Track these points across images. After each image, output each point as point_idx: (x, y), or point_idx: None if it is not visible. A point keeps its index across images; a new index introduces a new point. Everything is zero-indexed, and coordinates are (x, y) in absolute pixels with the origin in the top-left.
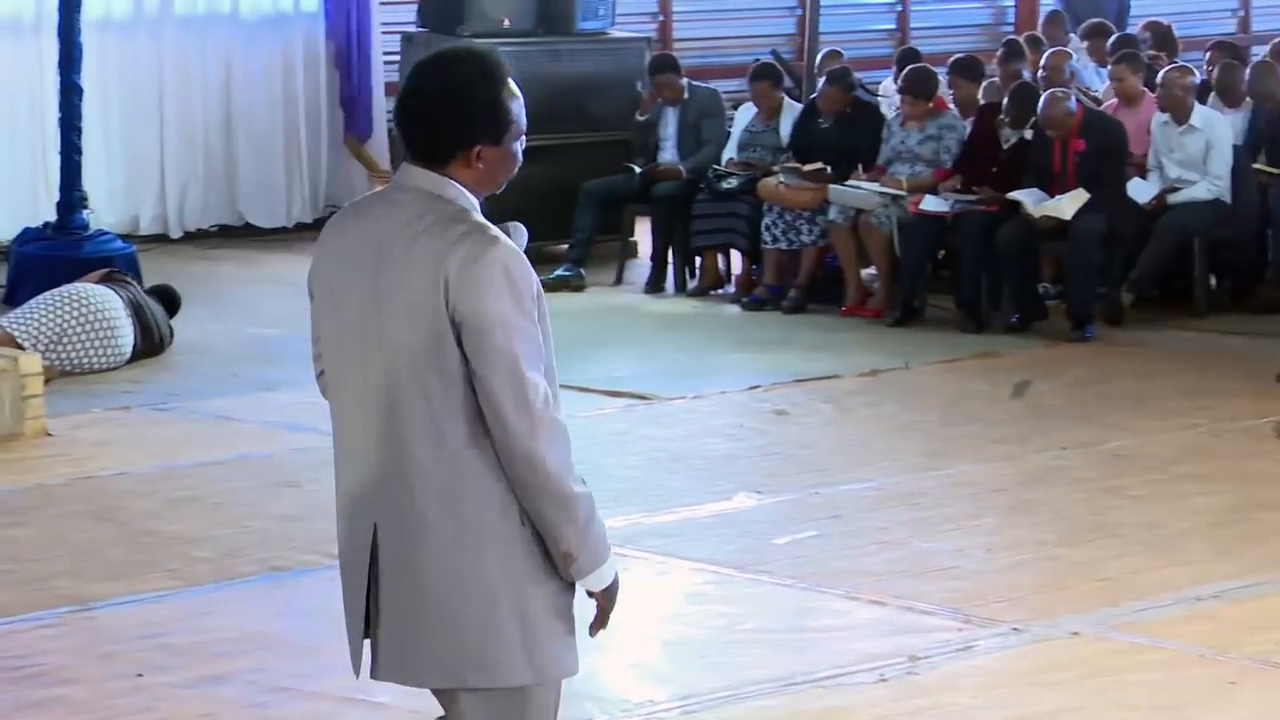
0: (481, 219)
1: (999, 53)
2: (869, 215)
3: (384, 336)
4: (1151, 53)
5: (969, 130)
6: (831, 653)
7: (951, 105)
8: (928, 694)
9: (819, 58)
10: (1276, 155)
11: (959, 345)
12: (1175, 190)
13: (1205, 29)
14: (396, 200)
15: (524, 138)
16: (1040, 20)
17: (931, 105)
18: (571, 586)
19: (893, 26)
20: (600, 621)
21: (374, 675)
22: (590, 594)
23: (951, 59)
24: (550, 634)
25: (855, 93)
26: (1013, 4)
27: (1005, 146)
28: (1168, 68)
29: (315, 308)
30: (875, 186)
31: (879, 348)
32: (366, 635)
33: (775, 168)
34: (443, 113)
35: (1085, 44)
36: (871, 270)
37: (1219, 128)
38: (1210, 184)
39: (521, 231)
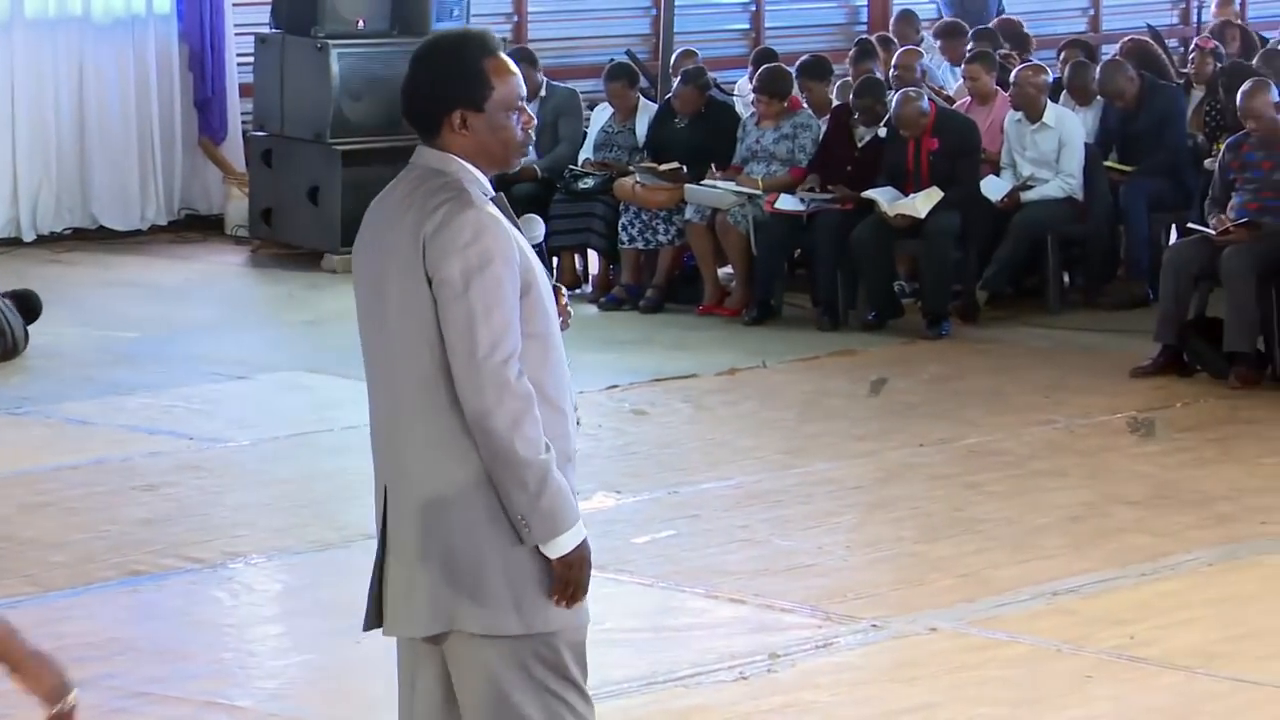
0: (468, 189)
1: (851, 52)
2: (725, 214)
3: (385, 307)
4: (1004, 51)
5: (823, 129)
6: (692, 651)
7: (805, 105)
8: (788, 691)
9: (674, 57)
10: (1128, 153)
11: (816, 343)
12: (1028, 188)
13: (1057, 28)
14: (402, 178)
15: (522, 112)
16: (892, 20)
17: (786, 104)
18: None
19: (747, 26)
20: (560, 590)
21: (384, 631)
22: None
23: (798, 62)
24: (540, 588)
25: (710, 92)
26: (866, 4)
27: (859, 145)
28: (1020, 66)
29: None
30: (731, 186)
31: (737, 346)
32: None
33: (631, 168)
34: (421, 82)
35: (939, 43)
36: (728, 269)
37: (1071, 126)
38: (1063, 182)
39: (536, 224)
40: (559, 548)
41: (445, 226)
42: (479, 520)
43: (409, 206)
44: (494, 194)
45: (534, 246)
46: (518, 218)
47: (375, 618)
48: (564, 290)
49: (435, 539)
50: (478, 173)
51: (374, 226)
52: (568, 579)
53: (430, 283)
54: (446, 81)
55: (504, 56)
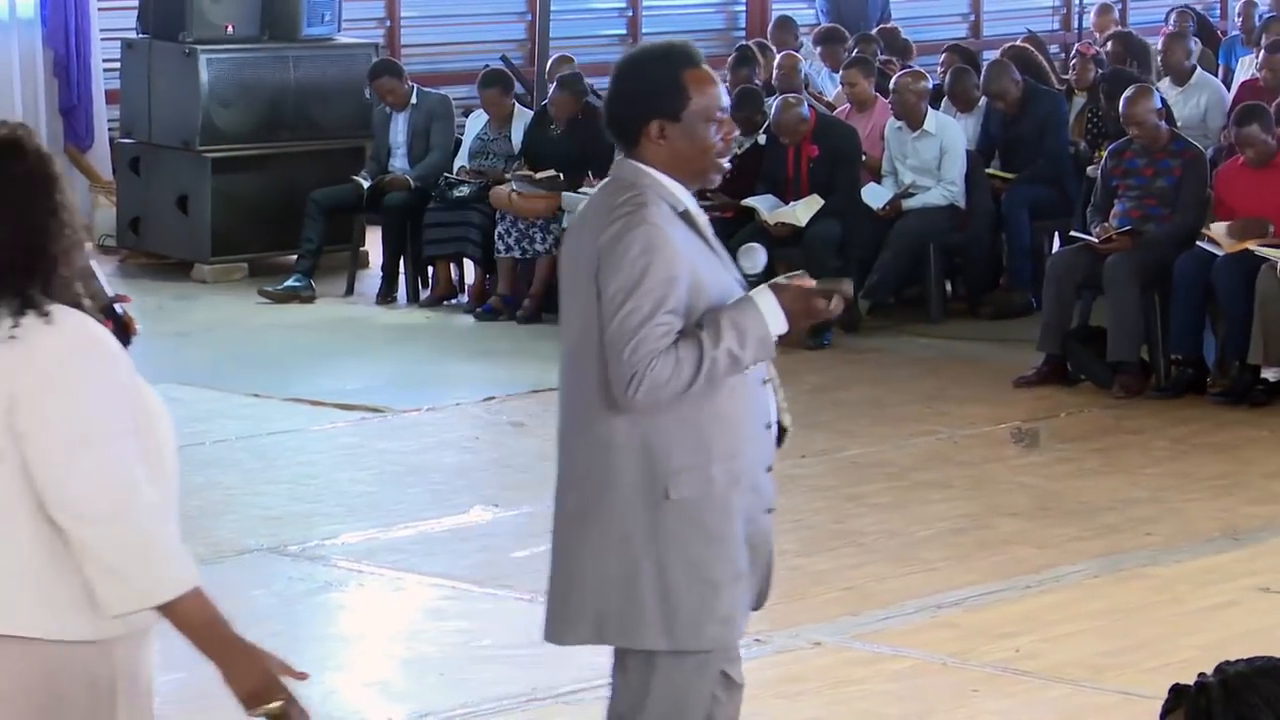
0: (649, 204)
1: (730, 58)
2: None
3: (567, 313)
4: (884, 58)
5: None
6: (573, 668)
7: None
8: None
9: (549, 63)
10: (1010, 160)
11: None
12: (910, 195)
13: (937, 34)
14: (600, 188)
15: (723, 124)
16: (770, 26)
17: None
18: (729, 562)
19: (624, 32)
20: (815, 310)
21: (543, 636)
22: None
23: None
24: (692, 605)
25: (587, 98)
26: (744, 9)
27: (738, 152)
28: (900, 73)
29: None
30: None
31: None
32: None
33: (507, 175)
34: (621, 93)
35: (818, 49)
36: None
37: (952, 133)
38: (944, 190)
39: (756, 253)
40: (778, 328)
41: (618, 239)
42: (635, 535)
43: (591, 215)
44: (684, 208)
45: (749, 277)
46: (757, 245)
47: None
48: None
49: (591, 550)
50: (673, 185)
51: (569, 236)
52: (805, 311)
53: (598, 292)
54: (645, 92)
55: (705, 68)
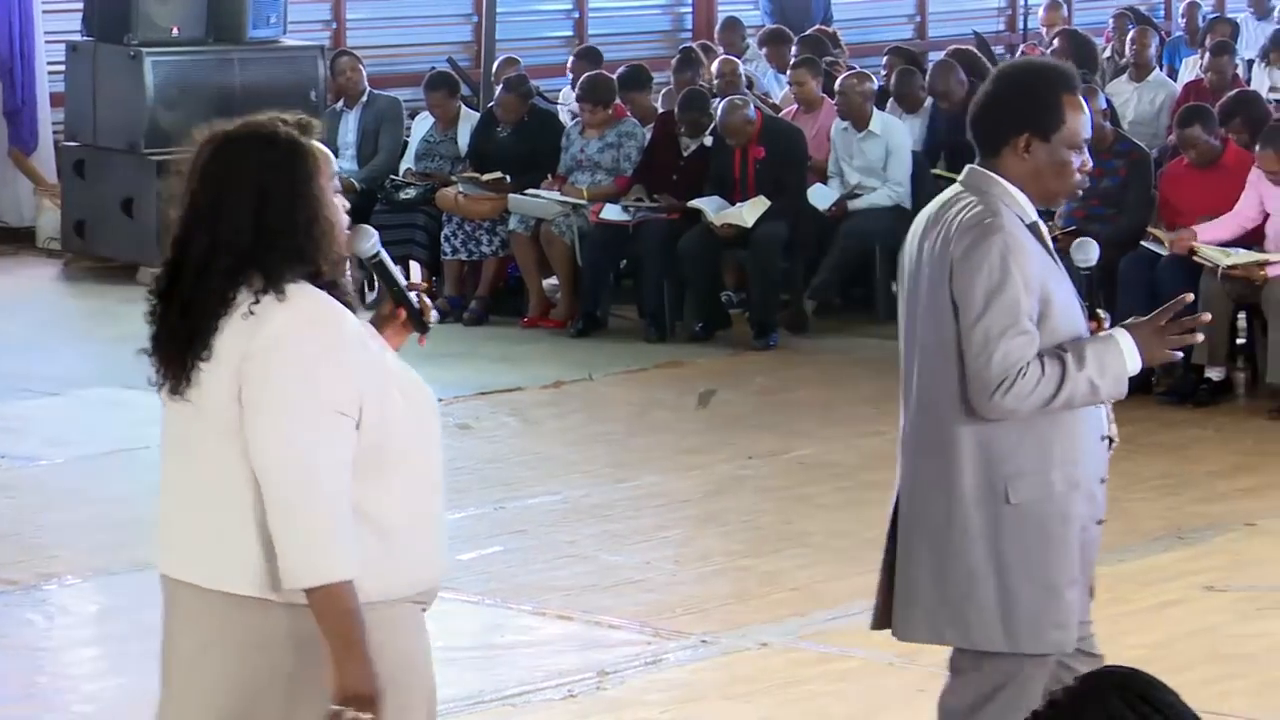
0: (1001, 214)
1: (675, 60)
2: (550, 225)
3: (912, 315)
4: (830, 59)
5: (648, 138)
6: (520, 670)
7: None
8: (617, 709)
9: (496, 65)
10: (956, 160)
11: (643, 355)
12: (855, 196)
13: (882, 35)
14: (949, 191)
15: (1082, 153)
16: (717, 27)
17: (610, 112)
18: (1067, 566)
19: (570, 33)
20: (1168, 342)
21: (893, 634)
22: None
23: (617, 73)
24: (1032, 608)
25: (533, 100)
26: (690, 11)
27: (685, 154)
28: (846, 74)
29: None
30: (556, 195)
31: (563, 359)
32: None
33: (454, 177)
34: (998, 99)
35: (764, 51)
36: (553, 280)
37: (898, 134)
38: (890, 190)
39: (1089, 247)
40: (1130, 369)
41: (974, 247)
42: (975, 537)
43: (941, 220)
44: (1032, 220)
45: (1083, 269)
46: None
47: (883, 618)
48: (1103, 316)
49: (934, 551)
50: (1022, 197)
51: (916, 232)
52: (1160, 346)
53: (954, 304)
54: (1023, 105)
55: (1081, 97)
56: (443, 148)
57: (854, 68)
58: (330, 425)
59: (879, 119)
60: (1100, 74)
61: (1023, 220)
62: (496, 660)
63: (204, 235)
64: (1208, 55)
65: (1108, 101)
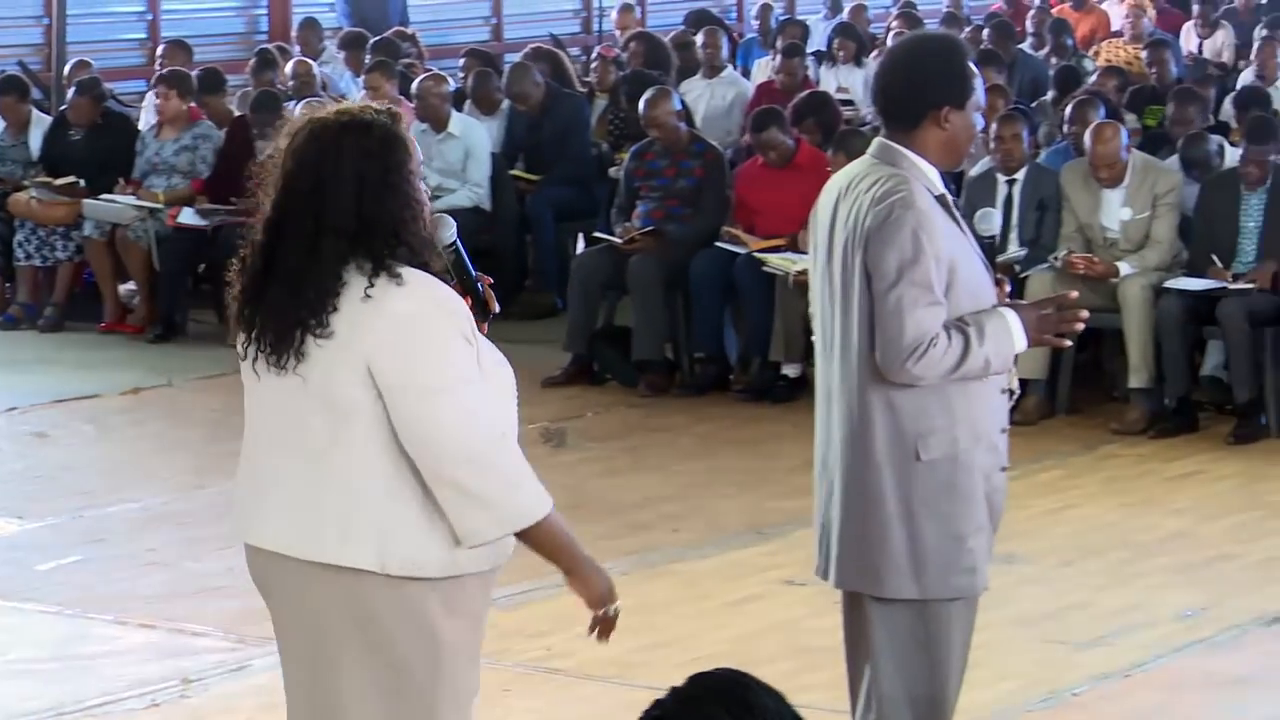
0: (911, 186)
1: (251, 62)
2: (126, 230)
3: (835, 284)
4: (407, 61)
5: (224, 140)
6: (101, 679)
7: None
8: (202, 717)
9: (68, 68)
10: (534, 162)
11: (222, 360)
12: (436, 198)
13: (459, 37)
14: (859, 163)
15: (981, 115)
16: (295, 28)
17: (186, 109)
18: (973, 516)
19: (144, 36)
20: (1058, 326)
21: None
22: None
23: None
24: (940, 557)
25: (106, 103)
26: (266, 12)
27: (260, 157)
28: (422, 76)
29: None
30: (131, 200)
31: (141, 365)
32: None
33: (26, 182)
34: (913, 76)
35: (342, 54)
36: (131, 285)
37: (476, 135)
38: (470, 191)
39: (992, 217)
40: (1016, 346)
41: (887, 223)
42: (887, 493)
43: (859, 194)
44: (940, 192)
45: (987, 239)
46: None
47: (824, 569)
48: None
49: (847, 507)
50: (930, 170)
51: (829, 204)
52: (1052, 329)
53: (868, 274)
54: (941, 78)
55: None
56: (14, 152)
57: (431, 70)
58: (476, 390)
59: (457, 121)
60: (674, 75)
61: (931, 193)
62: (78, 671)
63: (307, 218)
64: (779, 57)
65: (682, 102)
